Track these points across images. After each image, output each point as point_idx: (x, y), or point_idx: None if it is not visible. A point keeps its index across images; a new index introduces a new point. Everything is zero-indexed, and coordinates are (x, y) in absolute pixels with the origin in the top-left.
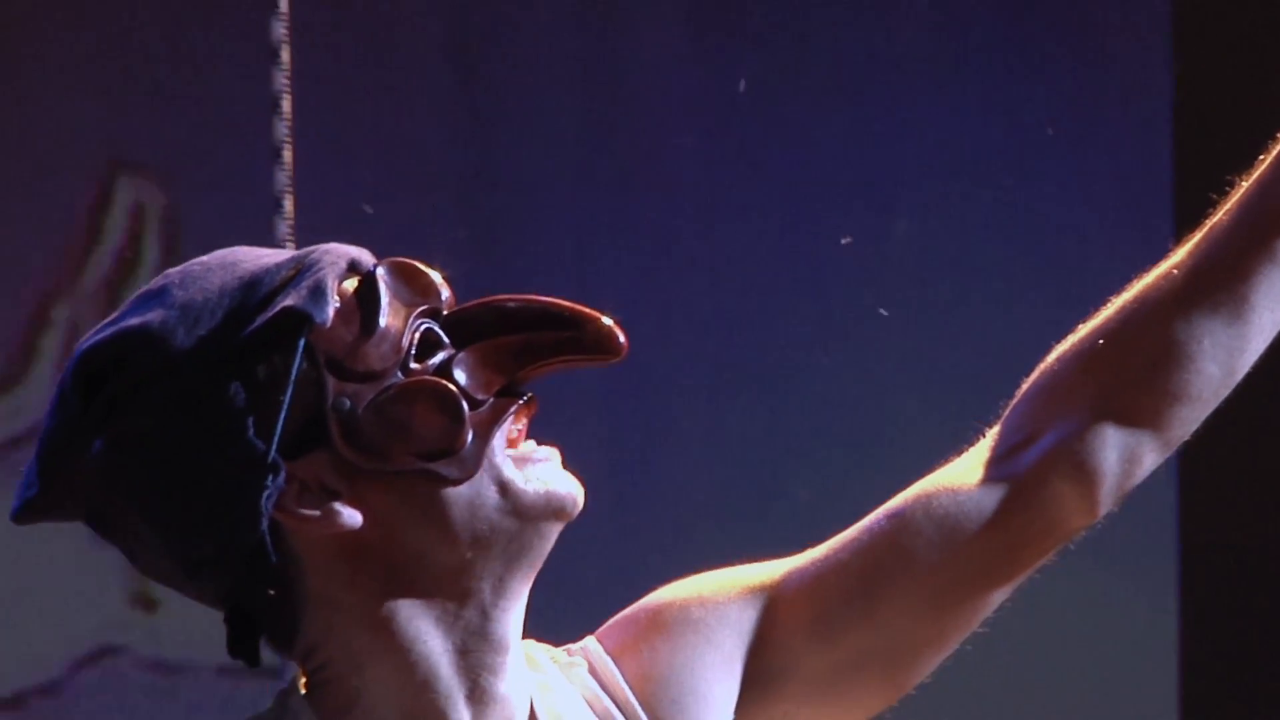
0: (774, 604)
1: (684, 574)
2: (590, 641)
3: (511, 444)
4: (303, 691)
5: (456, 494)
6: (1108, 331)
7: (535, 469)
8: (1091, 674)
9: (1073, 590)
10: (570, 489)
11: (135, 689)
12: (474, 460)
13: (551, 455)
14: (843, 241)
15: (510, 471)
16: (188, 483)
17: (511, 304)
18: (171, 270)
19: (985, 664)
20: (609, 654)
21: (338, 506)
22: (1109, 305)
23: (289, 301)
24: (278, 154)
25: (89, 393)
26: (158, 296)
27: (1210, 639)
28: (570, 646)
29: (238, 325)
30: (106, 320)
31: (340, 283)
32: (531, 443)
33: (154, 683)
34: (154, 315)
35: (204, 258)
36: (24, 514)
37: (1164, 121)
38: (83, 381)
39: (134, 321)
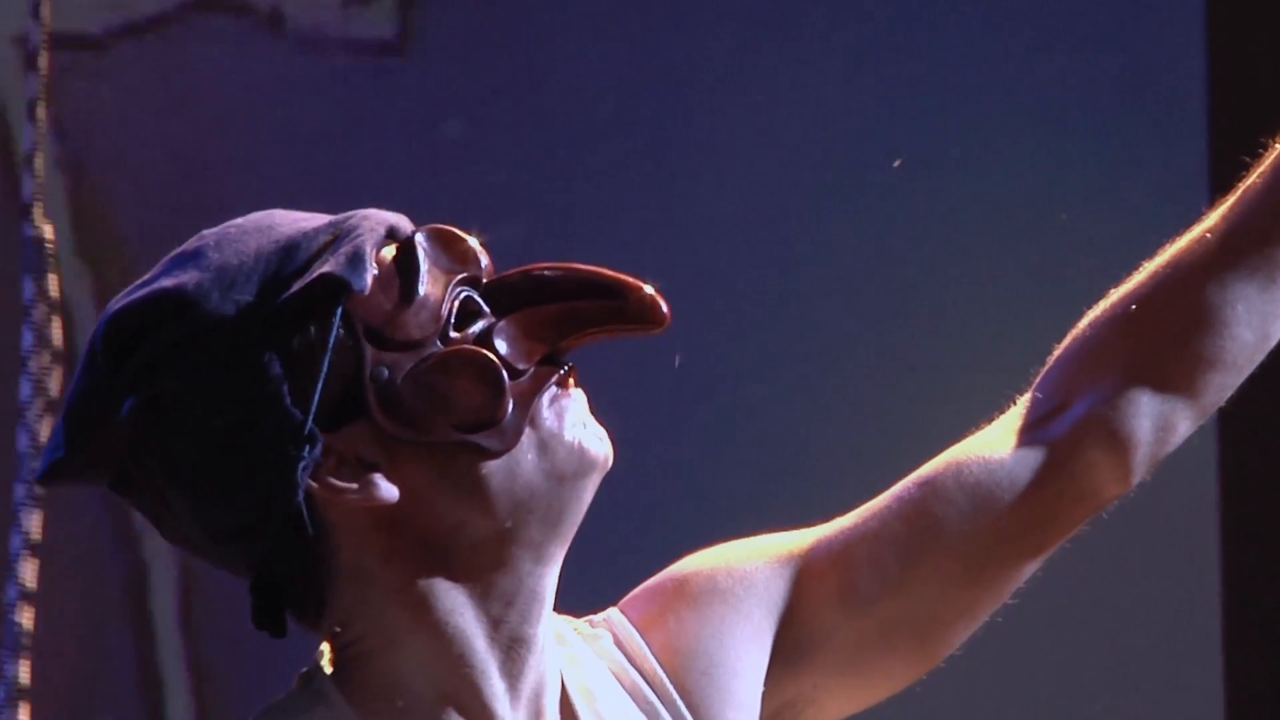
0: (803, 574)
1: (711, 543)
2: (614, 613)
3: None
4: (329, 670)
5: (496, 464)
6: (1140, 297)
7: (570, 419)
8: (1131, 658)
9: (1112, 567)
10: (603, 448)
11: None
12: (514, 431)
13: (579, 396)
14: (895, 165)
15: (548, 424)
16: (220, 452)
17: (552, 272)
18: (208, 231)
19: (1019, 640)
20: (634, 625)
21: (375, 479)
22: (1142, 270)
23: (326, 268)
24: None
25: (119, 356)
26: (193, 258)
27: (1256, 619)
28: (592, 618)
29: (274, 291)
30: (139, 281)
31: (378, 250)
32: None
33: None
34: (188, 277)
35: (240, 220)
36: (50, 476)
37: (1198, 83)
38: (114, 344)
39: (168, 283)
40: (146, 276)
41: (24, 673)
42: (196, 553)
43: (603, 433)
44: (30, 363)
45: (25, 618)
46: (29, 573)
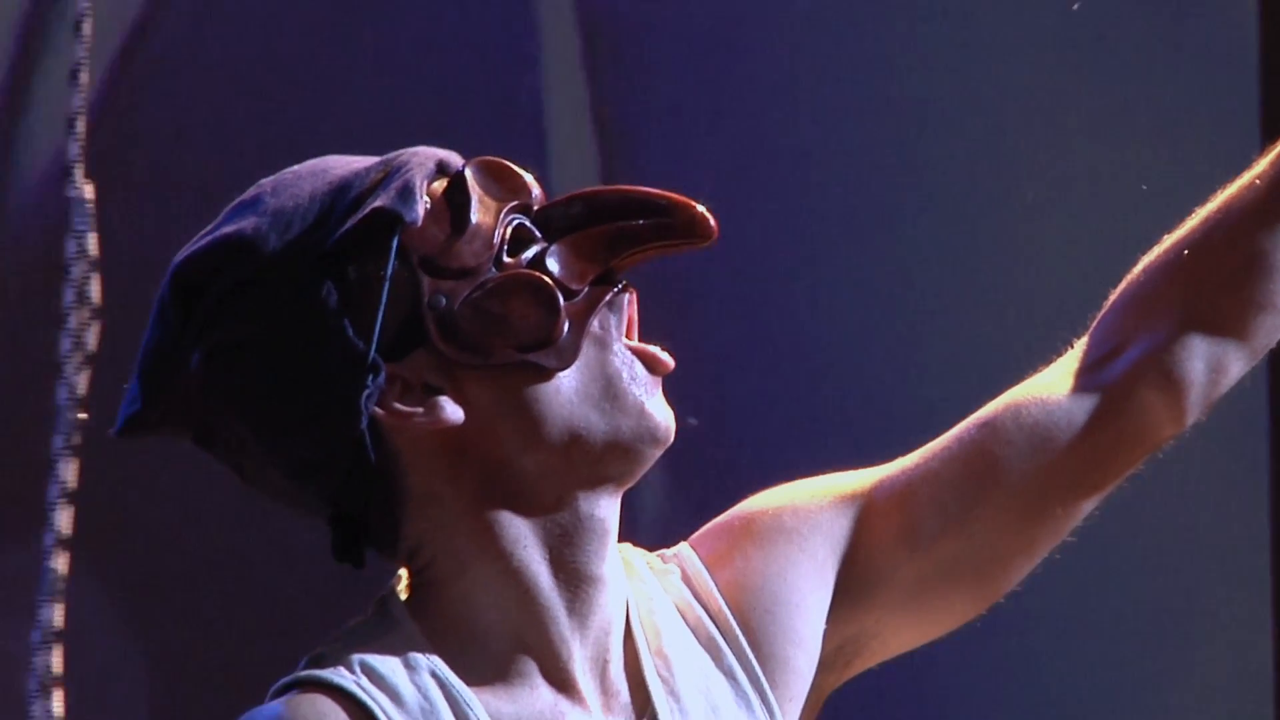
0: (866, 513)
1: (778, 481)
2: (684, 548)
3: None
4: (404, 597)
5: (556, 387)
6: (1192, 242)
7: (642, 378)
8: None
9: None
10: (665, 419)
11: None
12: (571, 349)
13: (656, 382)
14: (1073, 6)
15: (619, 366)
16: (289, 388)
17: (601, 194)
18: (265, 180)
19: (1063, 593)
20: (703, 562)
21: (440, 401)
22: (1194, 216)
23: (378, 203)
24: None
25: (186, 305)
26: (251, 205)
27: None
28: (664, 552)
29: (328, 228)
30: (202, 231)
31: (429, 183)
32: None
33: None
34: (247, 223)
35: (296, 167)
36: (128, 429)
37: (1250, 31)
38: (180, 293)
39: (228, 230)
40: (208, 227)
41: (57, 617)
42: (278, 499)
43: (667, 409)
44: (70, 319)
45: (60, 563)
46: (65, 521)
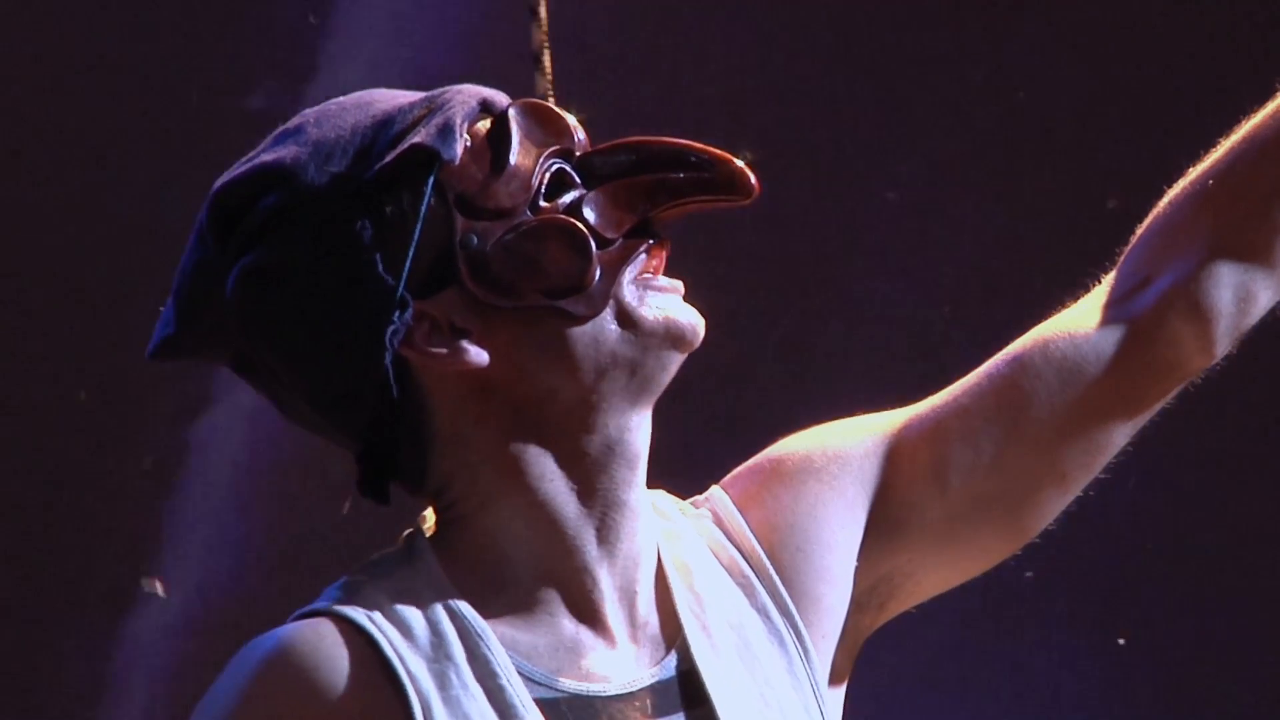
0: (896, 451)
1: (810, 424)
2: (716, 491)
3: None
4: (429, 534)
5: (583, 332)
6: (1218, 172)
7: (656, 297)
8: None
9: None
10: (690, 318)
11: None
12: (601, 297)
13: (674, 285)
14: None
15: (631, 298)
16: (318, 319)
17: (645, 144)
18: (309, 110)
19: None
20: (734, 503)
21: (465, 344)
22: (1220, 146)
23: (417, 139)
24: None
25: (223, 230)
26: (293, 134)
27: None
28: (696, 499)
29: (367, 162)
30: (243, 158)
31: (472, 123)
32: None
33: None
34: (287, 152)
35: (341, 98)
36: (161, 352)
37: None
38: (217, 218)
39: (268, 158)
40: (249, 154)
41: None
42: (309, 428)
43: (692, 310)
44: None
45: None
46: None
